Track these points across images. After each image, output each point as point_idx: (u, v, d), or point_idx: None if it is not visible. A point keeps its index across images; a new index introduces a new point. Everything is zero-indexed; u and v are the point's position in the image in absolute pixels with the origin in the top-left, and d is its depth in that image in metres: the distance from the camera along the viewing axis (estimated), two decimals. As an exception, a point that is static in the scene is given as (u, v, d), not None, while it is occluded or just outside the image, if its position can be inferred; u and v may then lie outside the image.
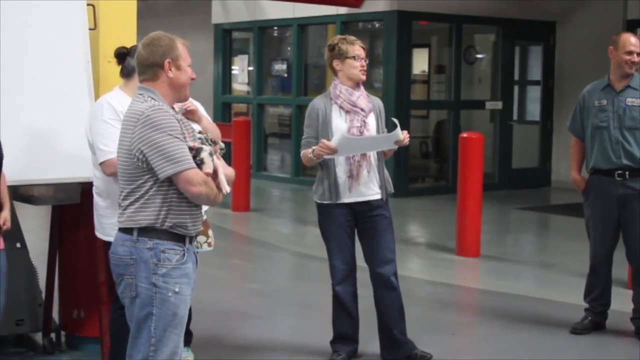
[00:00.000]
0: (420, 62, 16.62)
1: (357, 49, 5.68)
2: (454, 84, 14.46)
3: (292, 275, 8.96)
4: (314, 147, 5.51)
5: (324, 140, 5.46)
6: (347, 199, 5.63)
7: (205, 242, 5.24)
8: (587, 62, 14.39)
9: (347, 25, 14.52)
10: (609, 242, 6.44)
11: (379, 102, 5.86)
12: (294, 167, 15.13)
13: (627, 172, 6.23)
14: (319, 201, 5.72)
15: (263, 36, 16.27)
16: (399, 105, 13.63)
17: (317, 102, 5.72)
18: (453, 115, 14.43)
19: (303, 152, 5.65)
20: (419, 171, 15.19)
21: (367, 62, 5.73)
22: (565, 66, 14.98)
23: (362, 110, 5.66)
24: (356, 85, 5.70)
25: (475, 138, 9.22)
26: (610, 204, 6.31)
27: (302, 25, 15.24)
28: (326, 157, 5.51)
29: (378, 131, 5.72)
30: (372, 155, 5.68)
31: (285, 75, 16.01)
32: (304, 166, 14.48)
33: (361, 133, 5.60)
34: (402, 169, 13.71)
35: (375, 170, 5.69)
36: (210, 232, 5.28)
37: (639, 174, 6.23)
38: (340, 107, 5.66)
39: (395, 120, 5.52)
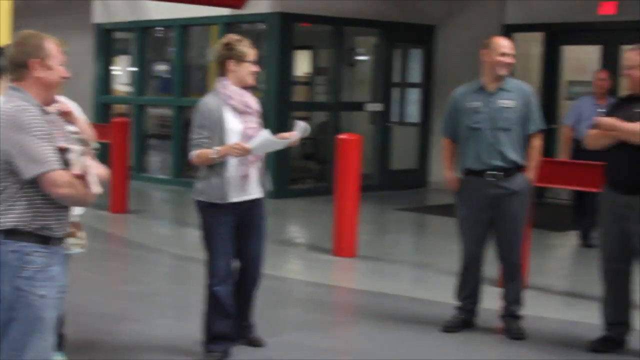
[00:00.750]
0: (302, 64, 16.73)
1: (253, 53, 5.80)
2: (335, 86, 14.59)
3: (170, 278, 8.91)
4: (217, 148, 5.57)
5: (239, 143, 5.56)
6: (235, 198, 5.70)
7: (76, 244, 5.18)
8: (465, 65, 14.65)
9: (229, 27, 14.49)
10: (481, 241, 6.58)
11: (259, 104, 5.99)
12: (175, 169, 15.04)
13: (499, 173, 6.37)
14: (206, 200, 5.73)
15: (145, 37, 16.12)
16: (280, 106, 13.69)
17: (210, 102, 5.75)
18: (334, 116, 14.56)
19: (200, 151, 5.65)
20: (300, 172, 15.26)
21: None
22: (444, 69, 15.26)
23: (255, 110, 5.82)
24: (243, 88, 5.79)
25: (352, 139, 9.32)
26: (483, 204, 6.44)
27: (185, 26, 15.16)
28: (235, 157, 5.62)
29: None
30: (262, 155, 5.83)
31: (167, 76, 15.90)
32: (185, 167, 14.42)
33: (255, 134, 5.71)
34: (283, 170, 13.77)
35: (259, 169, 5.85)
36: (81, 234, 5.22)
37: (510, 174, 6.38)
38: (234, 108, 5.71)
39: (300, 124, 5.86)
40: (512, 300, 6.61)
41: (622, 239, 5.98)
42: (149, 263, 9.20)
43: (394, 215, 12.72)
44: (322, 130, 15.38)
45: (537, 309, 7.13)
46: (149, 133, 16.14)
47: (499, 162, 6.36)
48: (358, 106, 15.10)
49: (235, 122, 5.70)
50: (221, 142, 5.62)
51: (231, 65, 5.74)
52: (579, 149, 9.24)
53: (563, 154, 9.94)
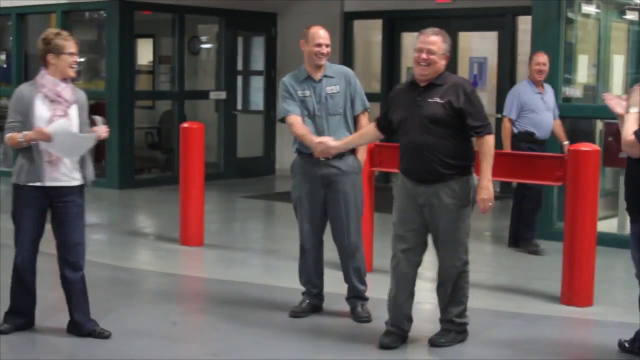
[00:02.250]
0: (145, 52, 16.56)
1: (72, 45, 6.01)
2: (178, 75, 14.51)
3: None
4: (25, 132, 5.82)
5: (42, 128, 5.77)
6: (43, 182, 5.92)
7: None
8: (306, 52, 14.82)
9: (68, 15, 14.23)
10: (317, 222, 6.68)
11: (82, 95, 6.15)
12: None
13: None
14: (17, 182, 5.99)
15: (-20, 26, 15.66)
16: (122, 95, 13.52)
17: (23, 89, 6.03)
18: (178, 105, 14.48)
19: (10, 135, 5.89)
20: (146, 162, 15.12)
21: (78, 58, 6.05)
22: (286, 57, 15.35)
23: (66, 100, 5.96)
24: (64, 79, 6.00)
25: (195, 128, 9.30)
26: (316, 183, 6.57)
27: (21, 15, 14.77)
28: (40, 142, 5.82)
29: (80, 120, 6.01)
30: None
31: (5, 65, 15.48)
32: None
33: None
34: (127, 160, 13.64)
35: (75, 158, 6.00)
36: None
37: (341, 156, 6.48)
38: (45, 96, 5.93)
39: (97, 118, 6.02)
40: (355, 282, 6.73)
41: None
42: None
43: (241, 203, 12.75)
44: (167, 119, 15.29)
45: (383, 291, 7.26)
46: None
47: None
48: (202, 94, 15.07)
49: (44, 110, 5.91)
50: (31, 127, 5.86)
51: (50, 58, 5.98)
52: (520, 142, 9.03)
53: (506, 147, 9.14)
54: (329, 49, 6.65)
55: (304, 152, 6.58)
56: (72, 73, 5.98)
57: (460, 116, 5.73)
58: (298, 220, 6.77)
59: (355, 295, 6.74)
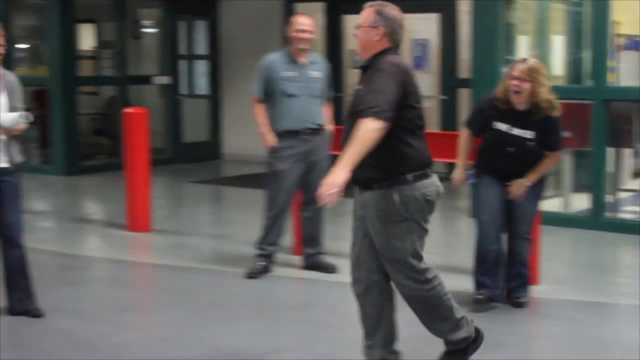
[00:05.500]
0: (87, 37, 16.44)
1: None
2: (121, 60, 14.45)
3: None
4: None
5: None
6: None
7: None
8: (249, 36, 14.87)
9: (8, 0, 14.09)
10: (292, 193, 7.42)
11: (12, 79, 6.18)
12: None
13: (309, 132, 7.28)
14: None
15: None
16: (65, 81, 13.45)
17: None
18: (121, 91, 14.43)
19: None
20: (91, 148, 15.03)
21: (4, 48, 6.05)
22: (230, 40, 15.35)
23: None
24: None
25: (139, 113, 9.30)
26: (298, 157, 7.27)
27: (-40, 1, 14.61)
28: None
29: (10, 105, 6.05)
30: None
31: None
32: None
33: None
34: (72, 146, 13.58)
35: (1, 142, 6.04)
36: None
37: (318, 133, 7.34)
38: None
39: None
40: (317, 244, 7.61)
41: None
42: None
43: (189, 188, 12.77)
44: (111, 105, 15.22)
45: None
46: None
47: (310, 125, 7.29)
48: (146, 79, 15.02)
49: None
50: None
51: None
52: None
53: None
54: (312, 35, 7.36)
55: (292, 129, 7.24)
56: None
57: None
58: (274, 191, 7.39)
59: (319, 252, 7.59)
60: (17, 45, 14.84)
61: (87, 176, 13.47)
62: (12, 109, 6.06)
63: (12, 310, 6.29)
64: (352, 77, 13.97)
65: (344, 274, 7.17)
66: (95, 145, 15.30)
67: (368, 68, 4.75)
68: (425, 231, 4.80)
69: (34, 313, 6.28)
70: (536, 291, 6.84)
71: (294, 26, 7.31)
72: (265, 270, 7.45)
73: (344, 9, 14.19)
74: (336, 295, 6.91)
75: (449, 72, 13.38)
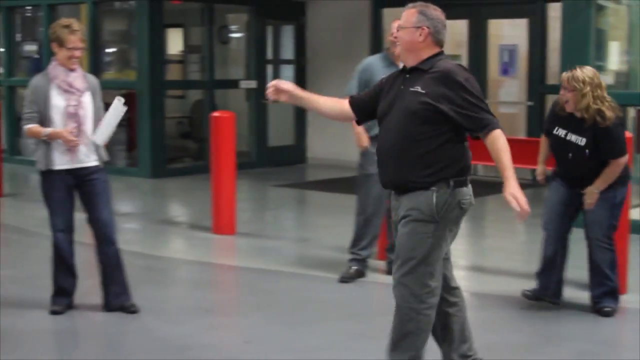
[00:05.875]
0: (175, 42, 16.64)
1: (74, 40, 6.22)
2: (208, 64, 14.58)
3: (48, 260, 8.78)
4: (48, 130, 6.12)
5: (70, 133, 6.11)
6: (62, 165, 6.24)
7: None
8: (336, 40, 14.88)
9: (98, 5, 14.32)
10: (384, 195, 7.02)
11: (94, 81, 6.42)
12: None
13: None
14: (39, 168, 6.28)
15: (12, 16, 15.77)
16: (153, 85, 13.61)
17: (37, 81, 6.28)
18: (208, 94, 14.56)
19: (31, 126, 6.18)
20: (178, 151, 15.21)
21: (82, 51, 6.30)
22: (315, 45, 15.38)
23: (78, 90, 6.24)
24: (70, 68, 6.25)
25: (226, 117, 9.37)
26: None
27: (52, 5, 14.88)
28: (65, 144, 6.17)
29: (94, 106, 6.30)
30: (89, 129, 6.25)
31: (37, 56, 15.60)
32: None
33: (76, 111, 6.20)
34: (159, 149, 13.73)
35: (90, 141, 6.27)
36: None
37: None
38: (58, 87, 6.19)
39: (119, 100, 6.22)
40: None
41: None
42: (26, 246, 9.06)
43: (273, 191, 12.81)
44: (198, 108, 15.37)
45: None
46: (21, 115, 15.81)
47: None
48: (232, 84, 15.12)
49: (59, 100, 6.19)
50: (48, 117, 6.17)
51: (54, 47, 6.28)
52: None
53: None
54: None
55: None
56: (72, 66, 6.21)
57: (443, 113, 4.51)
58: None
59: None
60: (106, 50, 15.10)
61: (173, 179, 13.61)
62: (96, 109, 6.30)
63: (109, 306, 6.46)
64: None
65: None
66: (181, 148, 15.47)
67: (415, 71, 4.63)
68: (445, 241, 4.63)
69: (130, 309, 6.44)
70: (625, 301, 6.71)
71: (390, 30, 7.21)
72: (359, 275, 7.42)
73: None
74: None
75: (537, 78, 13.19)
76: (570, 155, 6.36)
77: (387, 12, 14.59)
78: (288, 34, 15.80)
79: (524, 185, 4.82)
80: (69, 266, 6.46)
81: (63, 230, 6.38)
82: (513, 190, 4.40)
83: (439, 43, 4.67)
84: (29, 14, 16.17)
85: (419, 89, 4.54)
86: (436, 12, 4.69)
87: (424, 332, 4.68)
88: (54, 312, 6.39)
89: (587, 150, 6.29)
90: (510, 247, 8.82)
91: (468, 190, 4.64)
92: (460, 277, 7.67)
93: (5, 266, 8.18)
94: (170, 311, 6.65)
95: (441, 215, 4.55)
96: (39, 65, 15.33)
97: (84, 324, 6.36)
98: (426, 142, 4.50)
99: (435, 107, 4.47)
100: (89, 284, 6.79)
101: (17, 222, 10.22)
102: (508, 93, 14.19)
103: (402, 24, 4.70)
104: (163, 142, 13.91)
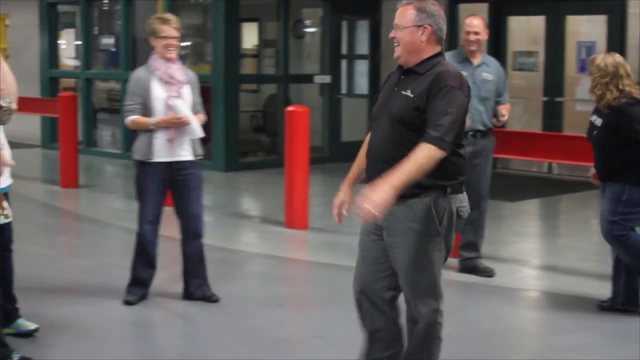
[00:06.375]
0: (250, 36, 16.71)
1: (167, 29, 6.40)
2: (282, 58, 14.61)
3: (122, 252, 8.87)
4: (155, 119, 6.26)
5: (177, 114, 6.25)
6: (161, 158, 6.35)
7: (1, 214, 5.27)
8: (412, 36, 14.75)
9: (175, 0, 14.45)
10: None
11: (192, 75, 6.60)
12: (125, 143, 14.94)
13: (477, 134, 7.28)
14: (137, 158, 6.41)
15: (90, 10, 15.99)
16: (228, 79, 13.68)
17: (139, 73, 6.46)
18: (282, 89, 14.60)
19: (136, 118, 6.32)
20: (251, 145, 15.28)
21: (179, 41, 6.48)
22: (390, 41, 15.25)
23: (179, 81, 6.42)
24: (168, 59, 6.40)
25: (300, 111, 9.37)
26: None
27: (129, -1, 15.08)
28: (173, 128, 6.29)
29: (193, 99, 6.49)
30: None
31: (114, 49, 15.80)
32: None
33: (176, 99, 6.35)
34: (233, 143, 13.80)
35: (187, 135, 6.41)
36: (5, 204, 5.29)
37: (485, 135, 7.35)
38: (159, 79, 6.34)
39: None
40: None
41: None
42: (101, 237, 9.18)
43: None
44: (272, 102, 15.41)
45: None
46: (97, 107, 16.05)
47: (479, 126, 7.28)
48: (307, 78, 15.14)
49: (160, 91, 6.35)
50: (150, 108, 6.31)
51: (152, 41, 6.47)
52: None
53: None
54: (478, 37, 7.27)
55: None
56: (169, 55, 6.38)
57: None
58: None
59: (477, 257, 7.51)
60: (181, 44, 15.21)
61: (246, 172, 13.67)
62: (194, 103, 6.46)
63: (191, 296, 6.60)
64: (517, 79, 13.78)
65: (502, 278, 7.14)
66: (254, 142, 15.53)
67: (410, 73, 4.35)
68: (444, 252, 4.39)
69: (211, 298, 6.59)
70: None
71: (464, 27, 7.33)
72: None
73: (508, 10, 13.97)
74: (494, 300, 6.79)
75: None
76: (592, 142, 6.38)
77: (462, 8, 14.47)
78: (363, 29, 15.77)
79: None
80: (150, 258, 6.57)
81: (151, 222, 6.49)
82: (373, 190, 4.06)
83: (440, 41, 4.39)
84: (106, 8, 16.37)
85: (409, 93, 4.26)
86: (435, 7, 4.37)
87: (439, 343, 4.53)
88: (127, 302, 6.48)
89: (596, 132, 6.27)
90: (585, 247, 8.69)
91: (464, 196, 4.40)
92: (534, 276, 7.70)
93: (80, 256, 8.31)
94: (242, 304, 6.68)
95: (443, 225, 4.29)
96: (115, 58, 15.55)
97: (162, 313, 6.45)
98: (414, 148, 4.15)
99: (422, 113, 4.20)
100: (163, 275, 6.87)
101: (93, 213, 10.36)
102: (585, 91, 13.96)
103: (400, 23, 4.35)
104: (237, 136, 13.97)
